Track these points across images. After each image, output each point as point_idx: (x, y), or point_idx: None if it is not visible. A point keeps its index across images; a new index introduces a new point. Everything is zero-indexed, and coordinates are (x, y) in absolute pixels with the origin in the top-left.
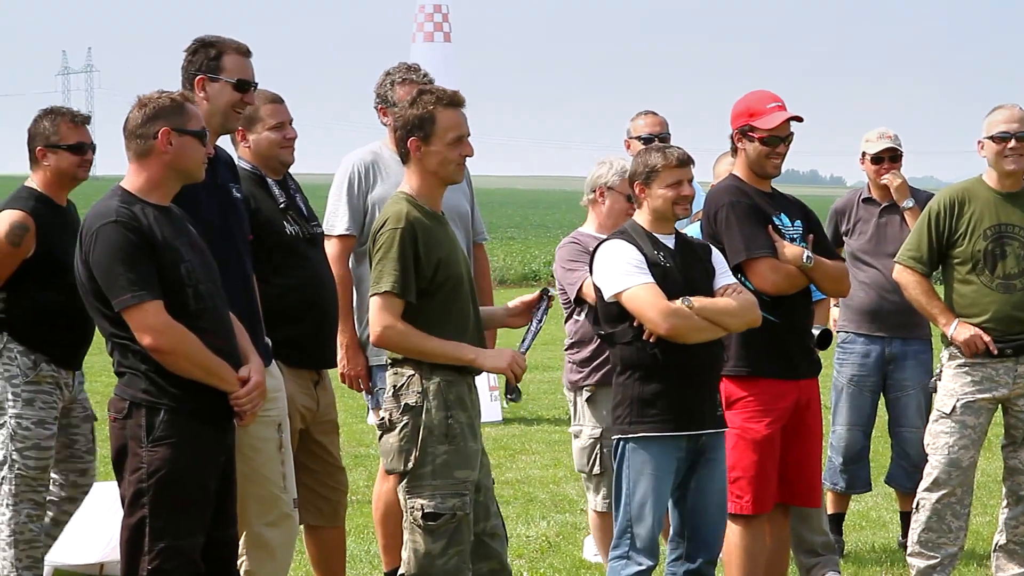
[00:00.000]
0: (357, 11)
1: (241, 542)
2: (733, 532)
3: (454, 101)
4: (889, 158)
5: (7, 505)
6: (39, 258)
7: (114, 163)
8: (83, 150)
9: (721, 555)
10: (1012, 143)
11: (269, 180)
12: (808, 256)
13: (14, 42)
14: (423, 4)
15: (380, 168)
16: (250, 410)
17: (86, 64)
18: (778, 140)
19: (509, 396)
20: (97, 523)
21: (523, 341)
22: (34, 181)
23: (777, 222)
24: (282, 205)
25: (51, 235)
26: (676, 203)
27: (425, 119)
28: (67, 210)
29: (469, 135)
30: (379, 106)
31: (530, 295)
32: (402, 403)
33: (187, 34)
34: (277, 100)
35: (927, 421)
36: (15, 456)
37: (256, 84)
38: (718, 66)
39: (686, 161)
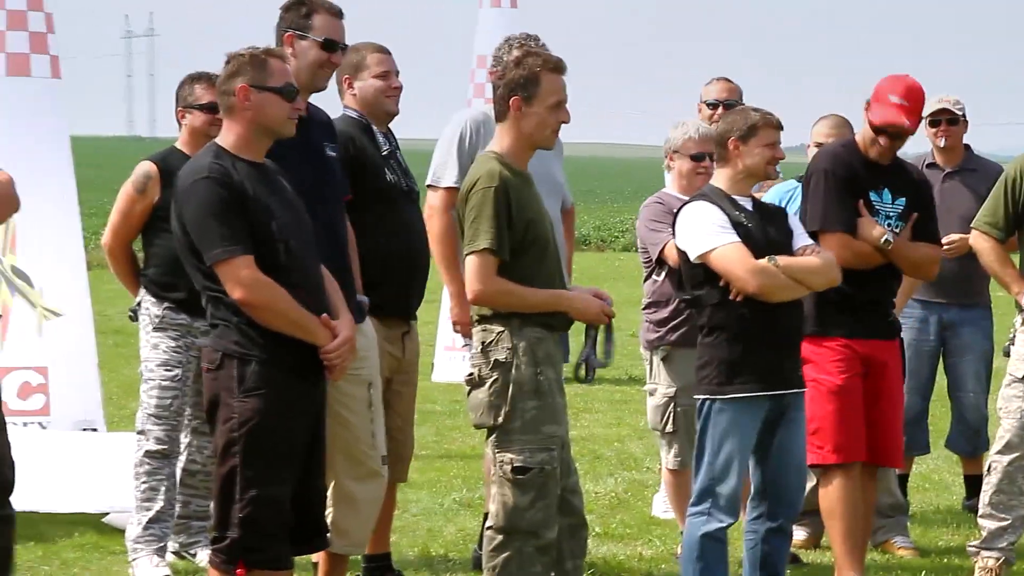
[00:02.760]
0: None
1: (329, 495)
2: (823, 486)
3: (558, 67)
4: (946, 120)
5: (136, 440)
6: (165, 206)
7: (172, 126)
8: (215, 109)
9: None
10: None
11: (374, 128)
12: (887, 239)
13: (79, 5)
14: None
15: (490, 129)
16: (339, 365)
17: (148, 28)
18: (881, 132)
19: (595, 364)
20: (103, 473)
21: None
22: (179, 140)
23: (874, 198)
24: (385, 152)
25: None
26: (770, 163)
27: (530, 80)
28: None
29: (567, 101)
30: (493, 69)
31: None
32: (492, 359)
33: (244, 2)
34: (384, 50)
35: (987, 387)
36: (143, 396)
37: (345, 45)
38: (793, 34)
39: (780, 125)
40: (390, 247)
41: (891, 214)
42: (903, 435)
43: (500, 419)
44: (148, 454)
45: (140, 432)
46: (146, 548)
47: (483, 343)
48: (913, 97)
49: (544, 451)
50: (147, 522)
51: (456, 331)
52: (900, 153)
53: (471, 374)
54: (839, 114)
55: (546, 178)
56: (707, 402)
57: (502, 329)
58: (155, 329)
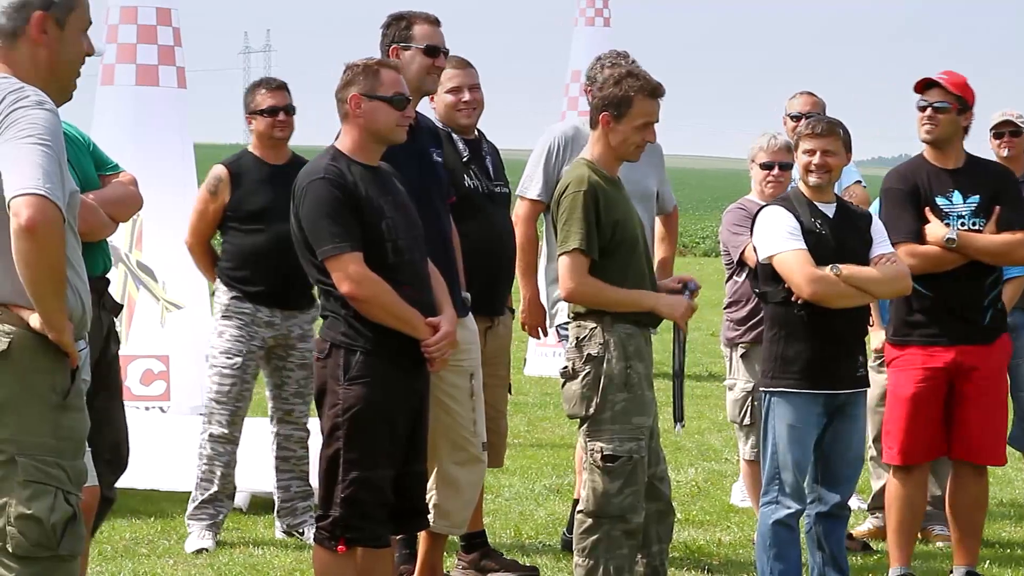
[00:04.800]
0: None
1: (432, 478)
2: (891, 481)
3: (655, 92)
4: (1009, 132)
5: (203, 422)
6: (234, 206)
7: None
8: (275, 112)
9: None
10: None
11: (455, 136)
12: (950, 238)
13: (203, 21)
14: None
15: (579, 143)
16: (439, 358)
17: (265, 44)
18: (925, 104)
19: (678, 423)
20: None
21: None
22: (250, 144)
23: (942, 202)
24: (464, 159)
25: (248, 186)
26: (808, 171)
27: (623, 101)
28: (280, 166)
29: (657, 122)
30: (587, 87)
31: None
32: (585, 353)
33: (355, 19)
34: (460, 65)
35: None
36: (207, 381)
37: (447, 50)
38: (875, 46)
39: (826, 132)
40: (471, 248)
41: (963, 213)
42: (1002, 434)
43: (592, 410)
44: (212, 437)
45: (206, 417)
46: (198, 524)
47: (577, 338)
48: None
49: (633, 440)
50: (201, 502)
51: (524, 330)
52: None
53: (566, 367)
54: None
55: (637, 187)
56: (766, 395)
57: (595, 325)
58: (222, 317)
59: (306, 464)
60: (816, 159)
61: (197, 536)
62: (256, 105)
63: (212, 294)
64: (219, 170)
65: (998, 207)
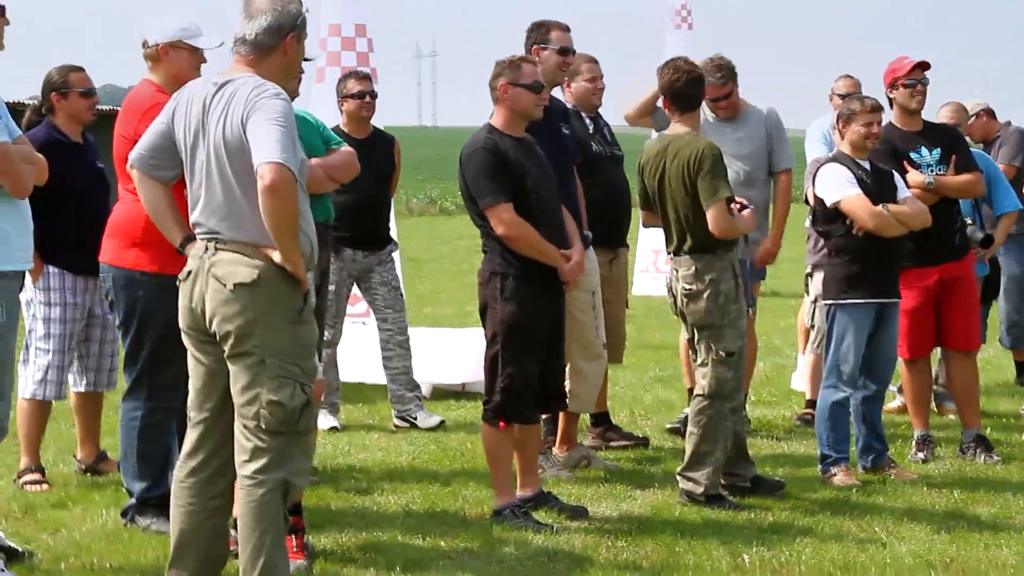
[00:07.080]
0: (618, 6)
1: (567, 371)
2: (903, 370)
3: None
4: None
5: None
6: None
7: (451, 116)
8: (363, 96)
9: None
10: None
11: (583, 114)
12: (929, 181)
13: (387, 34)
14: (674, 4)
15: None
16: (572, 280)
17: (432, 51)
18: (915, 82)
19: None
20: (462, 356)
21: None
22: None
23: (914, 156)
24: (591, 131)
25: None
26: (867, 137)
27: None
28: (362, 140)
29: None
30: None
31: None
32: (705, 278)
33: (501, 27)
34: (593, 60)
35: (1018, 299)
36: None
37: (575, 50)
38: (891, 34)
39: (877, 108)
40: (597, 198)
41: (931, 163)
42: (977, 327)
43: (716, 319)
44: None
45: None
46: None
47: (696, 267)
48: (910, 58)
49: (741, 339)
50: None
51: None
52: None
53: (688, 289)
54: (957, 100)
55: (733, 148)
56: (832, 307)
57: (711, 256)
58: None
59: (407, 360)
60: (875, 128)
61: (324, 419)
62: (348, 91)
63: None
64: None
65: (955, 156)
